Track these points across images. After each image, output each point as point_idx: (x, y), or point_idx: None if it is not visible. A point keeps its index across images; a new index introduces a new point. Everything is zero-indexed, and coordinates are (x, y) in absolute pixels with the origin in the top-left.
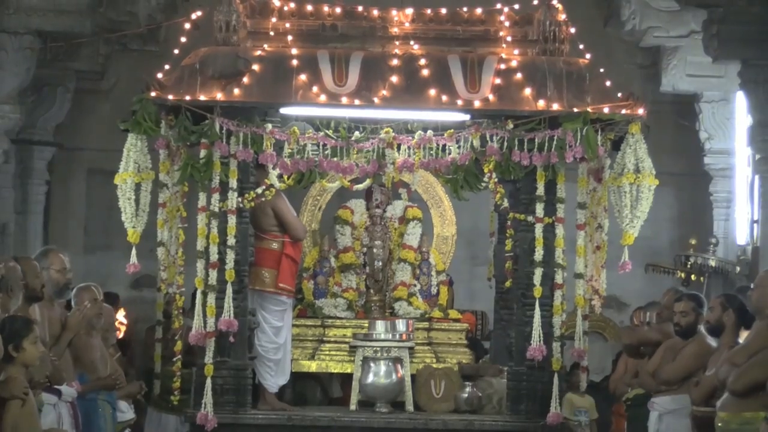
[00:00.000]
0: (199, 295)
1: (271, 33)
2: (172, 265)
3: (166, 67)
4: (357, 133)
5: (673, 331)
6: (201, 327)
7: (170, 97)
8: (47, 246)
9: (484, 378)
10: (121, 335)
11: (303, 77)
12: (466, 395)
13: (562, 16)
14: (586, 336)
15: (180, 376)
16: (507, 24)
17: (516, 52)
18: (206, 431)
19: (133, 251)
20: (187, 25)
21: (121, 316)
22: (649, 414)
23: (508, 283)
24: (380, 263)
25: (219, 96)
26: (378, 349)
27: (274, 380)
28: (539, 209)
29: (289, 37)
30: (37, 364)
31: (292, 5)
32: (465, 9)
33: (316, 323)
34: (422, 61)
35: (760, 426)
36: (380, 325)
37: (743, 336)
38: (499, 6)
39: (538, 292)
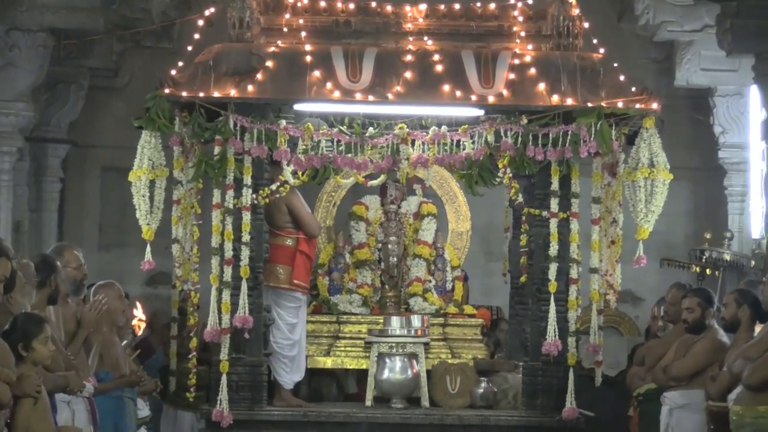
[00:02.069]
0: (213, 292)
1: (285, 29)
2: (187, 262)
3: (180, 63)
4: (371, 129)
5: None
6: (216, 324)
7: (184, 94)
8: (60, 243)
9: (499, 373)
10: (140, 332)
11: (317, 73)
12: (481, 390)
13: (576, 11)
14: (601, 331)
15: (195, 373)
16: (521, 19)
17: (530, 47)
18: (222, 428)
19: (148, 248)
20: (201, 22)
21: (140, 313)
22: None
23: (523, 279)
24: (395, 259)
25: (233, 93)
26: (393, 344)
27: (289, 377)
28: (554, 204)
29: (303, 34)
30: (48, 363)
31: (306, 1)
32: (479, 4)
33: (331, 319)
34: (436, 57)
35: None
36: (395, 321)
37: (758, 330)
38: (512, 1)
39: (553, 287)
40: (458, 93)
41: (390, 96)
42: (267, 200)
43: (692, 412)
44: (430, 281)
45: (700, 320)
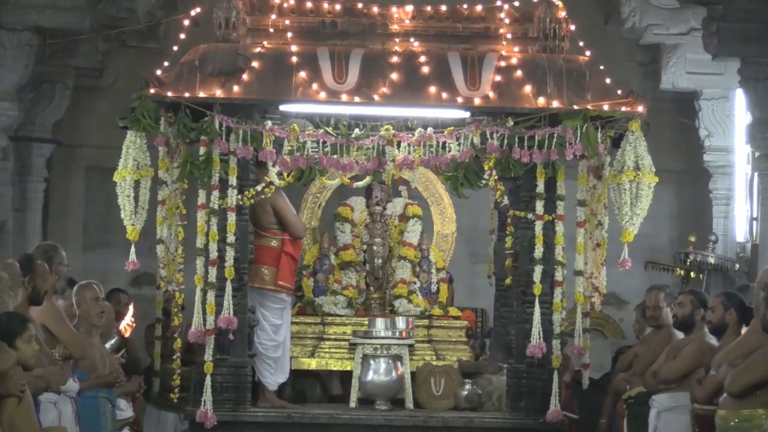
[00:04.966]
0: (198, 293)
1: (271, 30)
2: (172, 262)
3: (166, 64)
4: (357, 130)
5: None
6: (200, 324)
7: (169, 94)
8: (49, 242)
9: (483, 375)
10: (128, 334)
11: (303, 74)
12: (465, 393)
13: (563, 14)
14: (586, 333)
15: (179, 374)
16: (507, 21)
17: (516, 49)
18: (206, 429)
19: (132, 249)
20: (187, 22)
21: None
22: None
23: (508, 281)
24: (380, 261)
25: (218, 93)
26: (378, 346)
27: (273, 378)
28: (539, 206)
29: (289, 34)
30: (32, 362)
31: (292, 2)
32: (465, 6)
33: (316, 321)
34: (422, 59)
35: (764, 423)
36: (380, 323)
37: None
38: (499, 3)
39: (538, 289)
40: (444, 95)
41: (376, 97)
42: (252, 201)
43: (680, 415)
44: (415, 283)
45: (689, 317)
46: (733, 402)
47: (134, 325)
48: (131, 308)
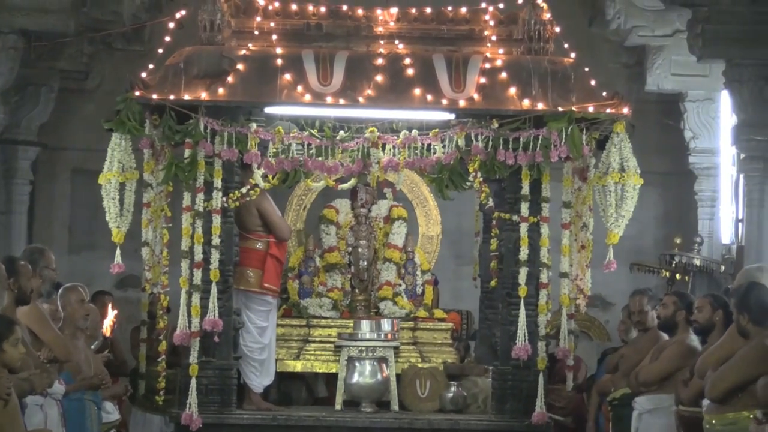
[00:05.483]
0: (183, 295)
1: (256, 32)
2: (157, 265)
3: (151, 66)
4: (342, 132)
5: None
6: (186, 327)
7: (154, 96)
8: (36, 245)
9: (469, 377)
10: (109, 333)
11: (288, 77)
12: (451, 395)
13: (547, 15)
14: (571, 335)
15: (165, 377)
16: (492, 23)
17: (501, 51)
18: (191, 431)
19: (118, 251)
20: (172, 25)
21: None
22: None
23: (493, 283)
24: (365, 263)
25: (203, 95)
26: (363, 348)
27: (259, 380)
28: (524, 208)
29: (274, 37)
30: (18, 365)
31: (277, 4)
32: (450, 8)
33: (301, 323)
34: (407, 61)
35: (750, 425)
36: (365, 325)
37: None
38: (484, 5)
39: (523, 291)
40: (429, 97)
41: (361, 99)
42: (237, 203)
43: (660, 417)
44: (400, 285)
45: (671, 318)
46: (717, 407)
47: (115, 322)
48: (110, 309)
